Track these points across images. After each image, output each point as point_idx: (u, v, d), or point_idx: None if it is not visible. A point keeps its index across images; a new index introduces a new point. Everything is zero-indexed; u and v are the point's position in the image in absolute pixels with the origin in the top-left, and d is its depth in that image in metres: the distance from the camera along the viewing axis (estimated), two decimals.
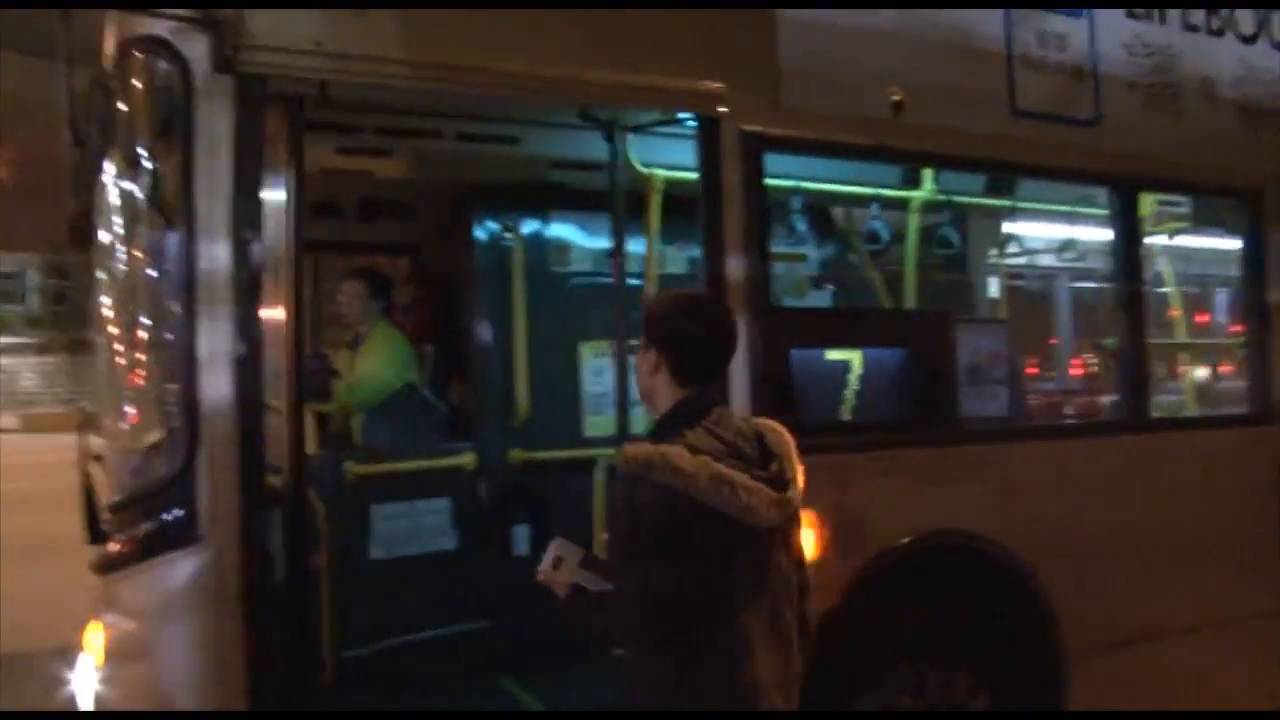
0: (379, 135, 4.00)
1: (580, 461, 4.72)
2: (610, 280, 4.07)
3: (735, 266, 3.43)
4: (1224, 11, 4.66)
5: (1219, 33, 4.66)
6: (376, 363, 4.82)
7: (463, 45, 3.15)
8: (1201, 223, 5.16)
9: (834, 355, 3.70)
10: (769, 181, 3.60)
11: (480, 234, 4.96)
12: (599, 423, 4.99)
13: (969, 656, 3.73)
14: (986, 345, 3.89)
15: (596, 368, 5.10)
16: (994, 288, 5.60)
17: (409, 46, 3.06)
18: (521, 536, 4.83)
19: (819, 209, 4.94)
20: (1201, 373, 6.04)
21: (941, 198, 4.64)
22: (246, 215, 2.79)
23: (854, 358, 3.70)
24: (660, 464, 2.22)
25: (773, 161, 3.59)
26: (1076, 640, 3.90)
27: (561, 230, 5.12)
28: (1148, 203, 4.74)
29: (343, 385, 4.79)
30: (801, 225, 4.32)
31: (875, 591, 3.52)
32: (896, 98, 3.77)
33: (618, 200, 3.88)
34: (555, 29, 3.31)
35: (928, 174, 4.62)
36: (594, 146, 4.04)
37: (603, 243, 4.76)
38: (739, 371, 3.37)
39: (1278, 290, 4.69)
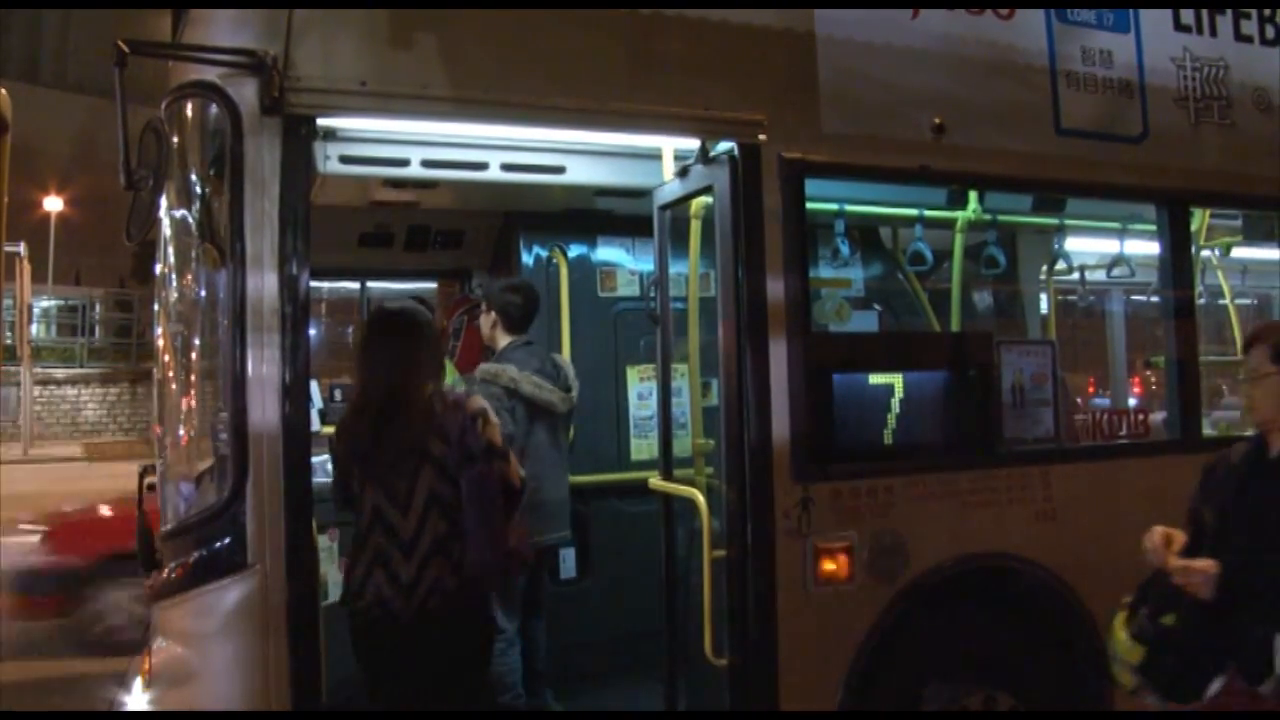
0: (426, 168, 4.06)
1: (626, 485, 4.73)
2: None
3: (775, 292, 3.43)
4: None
5: (1272, 42, 4.56)
6: None
7: (505, 80, 3.20)
8: (1257, 236, 5.04)
9: (875, 379, 3.68)
10: (810, 205, 3.59)
11: (527, 259, 5.02)
12: (645, 446, 5.01)
13: (1010, 678, 3.69)
14: (1031, 366, 3.83)
15: (643, 391, 5.11)
16: (1042, 306, 5.51)
17: (452, 84, 3.12)
18: (569, 560, 4.86)
19: (862, 231, 4.91)
20: None
21: (987, 217, 4.59)
22: (293, 248, 2.86)
23: (895, 381, 3.67)
24: (501, 374, 4.17)
25: (814, 185, 3.58)
26: None
27: (608, 255, 5.18)
28: (1199, 218, 4.64)
29: None
30: (845, 248, 4.30)
31: (916, 613, 3.50)
32: (937, 120, 3.76)
33: (735, 228, 3.49)
34: (596, 61, 3.36)
35: (973, 193, 4.58)
36: (639, 173, 4.07)
37: (648, 267, 4.77)
38: (778, 394, 3.38)
39: None
